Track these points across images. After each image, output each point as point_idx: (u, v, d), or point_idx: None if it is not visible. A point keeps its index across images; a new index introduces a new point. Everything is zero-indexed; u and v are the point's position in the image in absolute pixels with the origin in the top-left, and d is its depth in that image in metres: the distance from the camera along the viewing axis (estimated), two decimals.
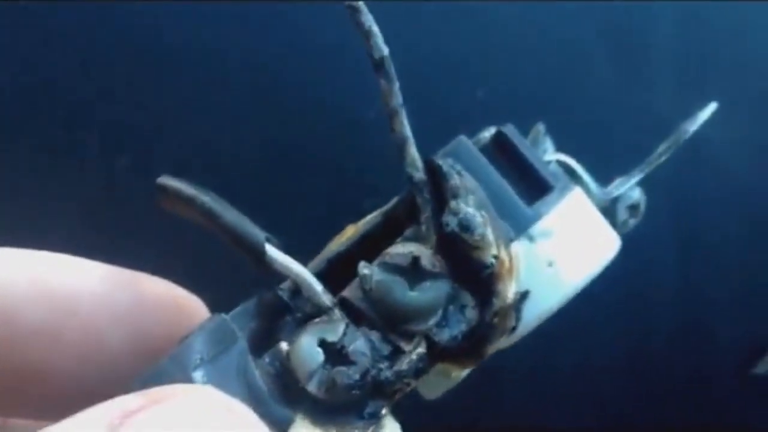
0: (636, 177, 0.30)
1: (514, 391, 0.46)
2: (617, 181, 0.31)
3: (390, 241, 0.26)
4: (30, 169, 0.42)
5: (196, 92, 0.44)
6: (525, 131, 0.29)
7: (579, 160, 0.30)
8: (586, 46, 0.47)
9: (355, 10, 0.24)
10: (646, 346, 0.47)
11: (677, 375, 0.47)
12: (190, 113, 0.44)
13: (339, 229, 0.27)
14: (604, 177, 0.31)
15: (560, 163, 0.29)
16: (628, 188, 0.30)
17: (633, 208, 0.31)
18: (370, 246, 0.26)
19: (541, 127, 0.32)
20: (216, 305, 0.27)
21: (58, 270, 0.26)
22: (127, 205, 0.41)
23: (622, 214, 0.31)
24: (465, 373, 0.27)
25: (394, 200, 0.27)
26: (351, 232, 0.27)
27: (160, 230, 0.40)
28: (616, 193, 0.30)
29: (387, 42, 0.25)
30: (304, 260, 0.25)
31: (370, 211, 0.27)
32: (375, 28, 0.25)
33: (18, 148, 0.42)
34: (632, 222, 0.31)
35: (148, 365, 0.22)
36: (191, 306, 0.27)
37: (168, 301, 0.27)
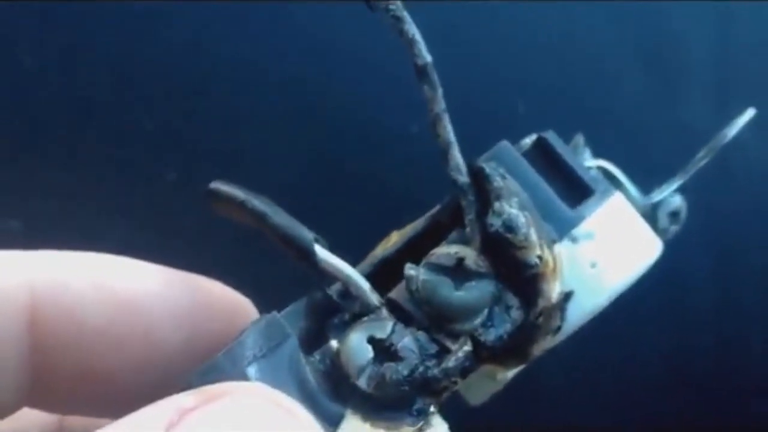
0: (676, 182, 0.30)
1: (549, 397, 0.46)
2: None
3: (434, 246, 0.26)
4: (77, 184, 0.43)
5: (241, 108, 0.44)
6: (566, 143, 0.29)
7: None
8: (624, 59, 0.47)
9: (398, 20, 0.25)
10: (682, 357, 0.46)
11: (713, 386, 0.47)
12: (236, 129, 0.44)
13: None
14: (644, 189, 0.31)
15: (601, 170, 0.29)
16: (669, 194, 0.31)
17: (674, 215, 0.31)
18: (415, 251, 0.26)
19: (580, 139, 0.32)
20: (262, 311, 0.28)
21: (120, 272, 0.27)
22: (175, 218, 0.42)
23: (663, 221, 0.31)
24: (510, 375, 0.27)
25: (438, 207, 0.27)
26: (396, 238, 0.28)
27: (208, 242, 0.41)
28: (656, 199, 0.30)
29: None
30: None
31: None
32: (418, 36, 0.25)
33: (67, 163, 0.43)
34: (673, 229, 0.31)
35: (204, 362, 0.23)
36: (243, 307, 0.28)
37: (223, 302, 0.27)
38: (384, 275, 0.26)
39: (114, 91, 0.43)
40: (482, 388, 0.28)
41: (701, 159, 0.30)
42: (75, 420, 0.29)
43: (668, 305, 0.45)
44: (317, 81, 0.44)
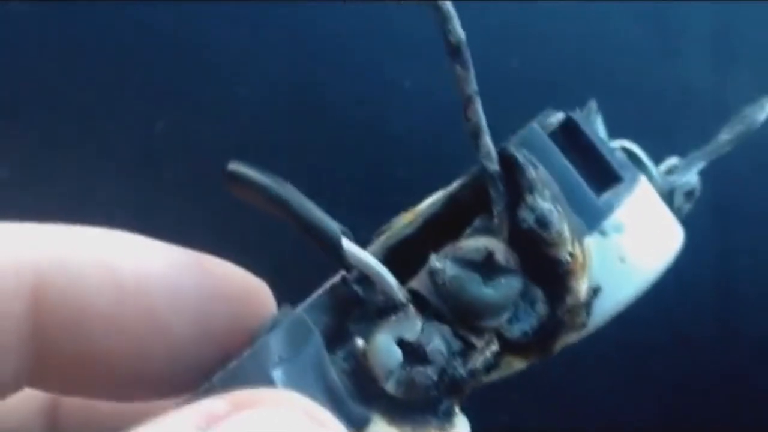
0: (698, 165, 0.29)
1: (550, 394, 0.46)
2: (675, 162, 0.30)
3: (454, 227, 0.25)
4: (68, 134, 0.41)
5: (232, 60, 0.43)
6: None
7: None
8: (623, 18, 0.46)
9: None
10: (683, 355, 0.46)
11: (715, 383, 0.47)
12: (227, 80, 0.43)
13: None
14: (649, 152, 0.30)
15: (624, 150, 0.28)
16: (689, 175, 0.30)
17: (689, 194, 0.31)
18: (433, 232, 0.25)
19: (593, 104, 0.31)
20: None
21: (126, 251, 0.25)
22: (164, 168, 0.41)
23: (679, 200, 0.30)
24: (526, 365, 0.27)
25: (457, 184, 0.26)
26: (409, 218, 0.26)
27: (197, 193, 0.40)
28: (679, 182, 0.29)
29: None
30: None
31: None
32: (452, 11, 0.24)
33: (55, 113, 0.41)
34: (686, 207, 0.31)
35: (225, 364, 0.22)
36: (256, 290, 0.26)
37: (233, 284, 0.26)
38: (401, 257, 0.25)
39: (106, 44, 0.41)
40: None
41: (727, 144, 0.29)
42: (71, 401, 0.29)
43: (668, 304, 0.45)
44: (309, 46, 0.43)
